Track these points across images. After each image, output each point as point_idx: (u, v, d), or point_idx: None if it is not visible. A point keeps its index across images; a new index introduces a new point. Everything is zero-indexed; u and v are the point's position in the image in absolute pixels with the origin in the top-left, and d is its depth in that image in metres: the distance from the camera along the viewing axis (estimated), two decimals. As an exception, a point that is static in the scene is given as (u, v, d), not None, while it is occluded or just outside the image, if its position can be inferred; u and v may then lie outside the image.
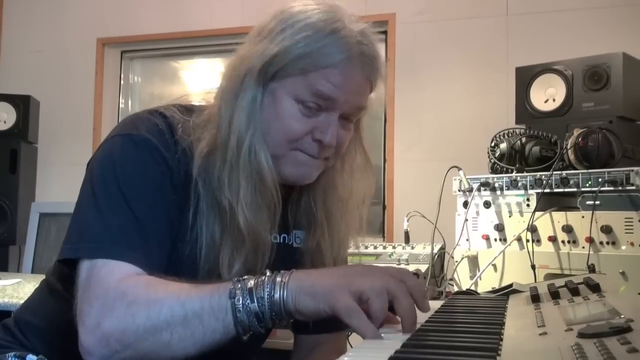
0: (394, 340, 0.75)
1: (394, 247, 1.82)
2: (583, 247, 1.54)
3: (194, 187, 1.00)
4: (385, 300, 0.81)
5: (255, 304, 0.84)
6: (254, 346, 1.21)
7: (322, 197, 1.13)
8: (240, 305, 0.84)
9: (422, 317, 0.87)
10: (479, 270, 1.68)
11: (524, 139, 1.79)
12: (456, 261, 1.71)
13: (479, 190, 1.73)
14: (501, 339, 0.70)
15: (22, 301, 1.28)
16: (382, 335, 0.79)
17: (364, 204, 1.19)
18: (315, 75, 0.98)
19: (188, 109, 1.07)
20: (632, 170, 1.51)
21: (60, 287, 1.08)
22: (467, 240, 1.73)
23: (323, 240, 1.13)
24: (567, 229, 1.57)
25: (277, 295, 0.83)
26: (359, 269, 0.87)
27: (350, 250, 1.83)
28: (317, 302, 0.82)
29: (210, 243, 1.00)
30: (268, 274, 0.86)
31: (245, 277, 0.87)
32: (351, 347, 0.77)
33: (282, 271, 0.86)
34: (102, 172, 0.97)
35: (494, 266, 1.66)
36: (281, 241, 1.13)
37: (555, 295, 0.97)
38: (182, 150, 1.00)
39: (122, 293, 0.86)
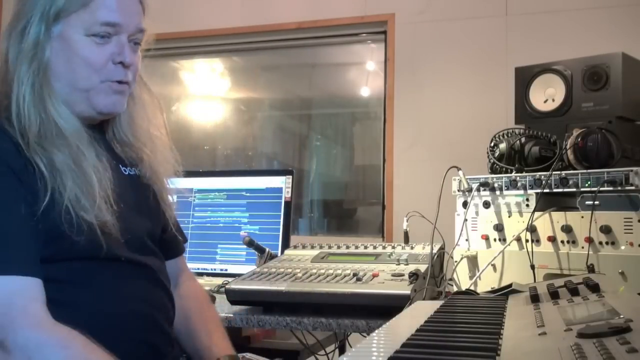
0: (394, 340, 0.75)
1: (393, 247, 1.81)
2: (582, 247, 1.54)
3: (27, 153, 1.06)
4: None
5: None
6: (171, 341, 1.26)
7: (129, 129, 1.26)
8: None
9: (421, 318, 0.87)
10: (478, 270, 1.68)
11: (523, 139, 1.79)
12: (455, 261, 1.71)
13: (478, 190, 1.73)
14: (500, 339, 0.71)
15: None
16: (382, 337, 0.79)
17: (165, 129, 1.34)
18: (95, 5, 1.11)
19: None
20: (632, 171, 1.50)
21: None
22: (467, 240, 1.73)
23: (154, 162, 1.27)
24: (567, 229, 1.57)
25: None
26: None
27: (350, 250, 1.83)
28: None
29: (57, 190, 1.06)
30: None
31: None
32: (350, 347, 0.77)
33: None
34: None
35: (494, 266, 1.66)
36: (133, 173, 1.26)
37: (554, 295, 0.98)
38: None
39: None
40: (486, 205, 1.72)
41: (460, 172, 1.76)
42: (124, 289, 1.14)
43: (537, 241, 1.62)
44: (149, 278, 1.20)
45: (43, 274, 1.03)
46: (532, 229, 1.62)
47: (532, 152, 1.75)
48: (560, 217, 1.59)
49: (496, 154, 1.80)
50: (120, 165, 1.24)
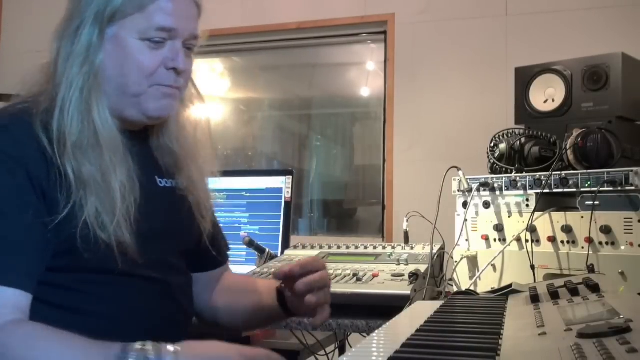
0: (394, 340, 0.75)
1: (393, 248, 1.81)
2: (582, 248, 1.54)
3: (53, 155, 1.03)
4: None
5: None
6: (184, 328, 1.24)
7: (175, 135, 1.22)
8: None
9: (421, 318, 0.87)
10: (478, 271, 1.68)
11: (523, 139, 1.79)
12: (455, 261, 1.71)
13: (478, 190, 1.73)
14: (500, 339, 0.71)
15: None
16: (382, 337, 0.79)
17: (209, 131, 1.35)
18: (152, 8, 1.08)
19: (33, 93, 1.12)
20: (632, 171, 1.50)
21: (50, 293, 1.07)
22: (467, 240, 1.73)
23: (194, 173, 1.23)
24: (567, 229, 1.57)
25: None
26: None
27: (350, 251, 1.83)
28: None
29: (78, 202, 1.03)
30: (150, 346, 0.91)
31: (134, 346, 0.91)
32: (350, 347, 0.77)
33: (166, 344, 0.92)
34: None
35: (494, 266, 1.66)
36: (169, 185, 1.22)
37: (554, 295, 0.98)
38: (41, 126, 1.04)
39: None
40: (486, 205, 1.72)
41: (460, 172, 1.76)
42: (131, 303, 1.11)
43: (537, 241, 1.62)
44: (162, 294, 1.16)
45: (39, 282, 0.99)
46: (532, 229, 1.62)
47: (532, 152, 1.76)
48: (560, 217, 1.59)
49: (496, 154, 1.80)
50: (157, 177, 1.20)
